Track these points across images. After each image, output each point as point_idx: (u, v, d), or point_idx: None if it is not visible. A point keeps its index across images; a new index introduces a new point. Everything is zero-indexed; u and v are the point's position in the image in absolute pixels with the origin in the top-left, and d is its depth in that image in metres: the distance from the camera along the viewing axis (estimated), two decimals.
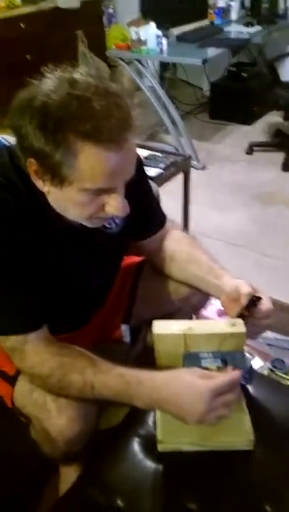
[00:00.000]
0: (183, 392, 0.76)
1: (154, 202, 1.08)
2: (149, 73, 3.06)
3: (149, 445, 0.91)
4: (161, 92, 3.05)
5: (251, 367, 0.83)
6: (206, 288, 1.02)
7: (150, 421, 0.96)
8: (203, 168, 3.02)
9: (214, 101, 3.72)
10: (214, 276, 0.98)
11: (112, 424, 1.03)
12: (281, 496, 0.82)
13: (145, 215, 1.04)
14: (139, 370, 0.81)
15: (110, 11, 4.25)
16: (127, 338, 1.23)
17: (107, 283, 1.08)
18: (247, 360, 0.83)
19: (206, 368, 0.82)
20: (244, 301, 0.85)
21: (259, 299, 0.85)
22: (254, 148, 3.17)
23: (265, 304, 0.88)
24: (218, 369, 0.82)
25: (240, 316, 0.84)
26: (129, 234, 1.02)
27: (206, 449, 0.88)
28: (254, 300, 0.84)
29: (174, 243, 1.08)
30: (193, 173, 2.86)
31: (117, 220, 0.95)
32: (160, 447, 0.88)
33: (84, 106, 0.65)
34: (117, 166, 0.69)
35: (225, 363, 0.82)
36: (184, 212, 2.18)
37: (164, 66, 3.85)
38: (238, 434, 0.87)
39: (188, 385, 0.76)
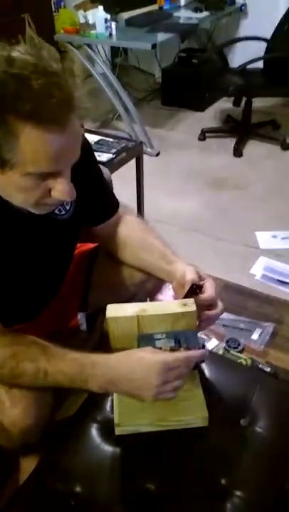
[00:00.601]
0: (136, 368, 0.76)
1: (105, 186, 1.07)
2: (99, 59, 3.01)
3: (107, 430, 0.91)
4: (112, 78, 3.01)
5: (204, 345, 0.84)
6: (159, 273, 1.02)
7: (108, 406, 0.96)
8: (157, 154, 3.02)
9: (166, 87, 3.72)
10: (166, 262, 0.99)
11: (72, 413, 1.02)
12: (234, 469, 0.84)
13: (97, 201, 1.02)
14: (93, 353, 0.80)
15: None
16: (83, 326, 1.22)
17: (60, 271, 1.06)
18: (200, 339, 0.84)
19: (160, 349, 0.83)
20: (186, 288, 0.86)
21: (200, 287, 0.86)
22: (206, 134, 3.20)
23: (206, 292, 0.88)
24: (172, 349, 0.83)
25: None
26: (82, 220, 1.00)
27: (163, 429, 0.89)
28: (194, 288, 0.84)
29: (127, 229, 1.07)
30: (147, 160, 2.88)
31: (67, 206, 0.93)
32: (117, 430, 0.89)
33: (22, 85, 0.63)
34: (60, 148, 0.67)
35: (178, 342, 0.83)
36: (137, 198, 2.17)
37: (114, 52, 3.80)
38: (193, 412, 0.89)
39: (140, 361, 0.77)
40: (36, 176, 0.69)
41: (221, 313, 0.91)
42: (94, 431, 0.91)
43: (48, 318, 1.08)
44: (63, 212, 0.92)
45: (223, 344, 1.61)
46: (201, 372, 0.99)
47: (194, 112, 3.62)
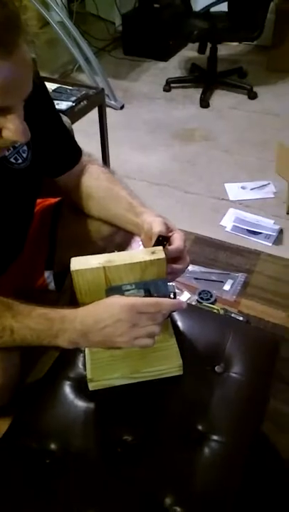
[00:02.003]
0: (104, 315, 0.73)
1: (65, 133, 0.99)
2: (54, 4, 2.79)
3: (80, 386, 0.88)
4: (71, 26, 2.81)
5: (175, 293, 0.81)
6: (126, 225, 0.97)
7: (80, 363, 0.93)
8: (122, 107, 2.89)
9: (127, 35, 3.53)
10: (134, 213, 0.93)
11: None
12: (210, 414, 0.84)
13: (57, 147, 0.95)
14: (61, 308, 0.76)
15: None
16: (52, 286, 1.18)
17: (21, 226, 0.99)
18: (170, 287, 0.81)
19: None
20: (153, 240, 0.82)
21: (167, 239, 0.81)
22: (172, 84, 3.08)
23: (174, 244, 0.84)
24: None
25: None
26: (41, 170, 0.93)
27: (137, 381, 0.87)
28: (161, 240, 0.80)
29: (91, 179, 1.01)
30: (112, 113, 2.76)
31: (24, 154, 0.86)
32: (91, 386, 0.86)
33: None
34: (8, 77, 0.59)
35: (148, 292, 0.80)
36: (102, 153, 2.09)
37: None
38: (167, 361, 0.88)
39: (108, 307, 0.73)
40: None
41: (187, 267, 0.88)
42: (67, 388, 0.89)
43: (11, 278, 1.03)
44: (20, 161, 0.85)
45: (196, 296, 1.61)
46: (174, 322, 0.98)
47: (158, 61, 3.47)
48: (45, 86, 0.91)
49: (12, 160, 0.83)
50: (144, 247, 0.89)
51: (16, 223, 0.95)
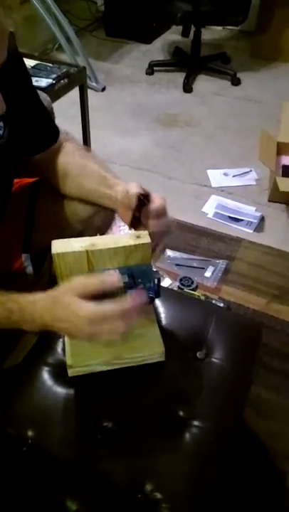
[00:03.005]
0: (63, 317, 0.68)
1: (43, 110, 0.95)
2: None
3: (59, 372, 0.86)
4: (52, 2, 2.70)
5: (159, 279, 0.79)
6: (100, 200, 0.93)
7: (59, 348, 0.91)
8: (103, 89, 2.83)
9: (110, 15, 3.44)
10: (107, 186, 0.89)
11: None
12: (192, 400, 0.83)
13: (34, 124, 0.91)
14: (22, 294, 0.73)
15: None
16: (29, 269, 1.14)
17: None
18: (155, 273, 0.79)
19: None
20: (132, 202, 0.79)
21: (147, 196, 0.78)
22: (154, 68, 3.03)
23: (155, 201, 0.81)
24: (126, 285, 0.78)
25: (134, 219, 0.79)
26: (18, 147, 0.89)
27: (117, 367, 0.86)
28: (141, 199, 0.77)
29: (67, 156, 0.96)
30: (93, 96, 2.69)
31: (0, 131, 0.82)
32: (70, 372, 0.84)
33: None
34: None
35: (132, 278, 0.77)
36: (83, 134, 2.04)
37: None
38: (149, 347, 0.86)
39: (66, 309, 0.68)
40: None
41: (171, 223, 0.85)
42: (45, 374, 0.86)
43: None
44: None
45: (177, 283, 1.60)
46: (156, 308, 0.96)
47: (141, 43, 3.40)
48: (22, 60, 0.86)
49: None
50: (123, 220, 0.86)
51: None
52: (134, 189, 0.80)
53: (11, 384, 0.86)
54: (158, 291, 0.81)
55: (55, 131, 0.96)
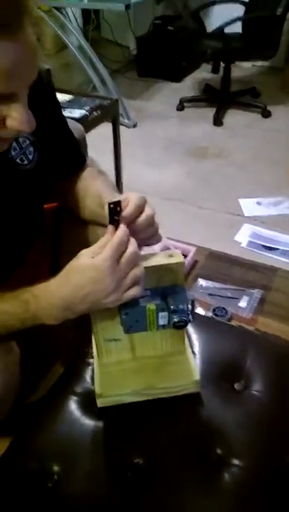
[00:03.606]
0: (82, 281, 0.64)
1: (71, 138, 0.96)
2: (72, 26, 2.84)
3: (88, 402, 0.82)
4: (86, 46, 2.85)
5: (193, 302, 0.75)
6: (100, 220, 0.86)
7: (88, 377, 0.87)
8: (135, 125, 2.89)
9: (141, 57, 3.57)
10: (101, 205, 0.82)
11: None
12: (231, 437, 0.76)
13: (62, 151, 0.91)
14: (34, 285, 0.70)
15: None
16: None
17: (29, 231, 0.94)
18: (189, 295, 0.74)
19: (144, 308, 0.73)
20: (105, 211, 0.69)
21: (117, 203, 0.67)
22: (185, 104, 3.09)
23: (128, 205, 0.70)
24: (158, 307, 0.74)
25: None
26: (48, 173, 0.88)
27: (149, 398, 0.80)
28: (112, 207, 0.66)
29: (83, 181, 0.95)
30: (125, 131, 2.76)
31: (30, 156, 0.82)
32: (100, 402, 0.79)
33: None
34: (13, 61, 0.55)
35: (164, 299, 0.73)
36: (115, 167, 2.06)
37: (86, 21, 3.63)
38: (183, 377, 0.80)
39: (82, 271, 0.64)
40: None
41: (153, 213, 0.73)
42: (73, 404, 0.82)
43: (15, 287, 0.97)
44: (26, 162, 0.81)
45: (210, 313, 1.53)
46: (190, 335, 0.91)
47: (171, 82, 3.49)
48: (53, 90, 0.87)
49: (18, 161, 0.80)
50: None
51: (24, 228, 0.91)
52: (107, 198, 0.75)
53: (36, 415, 0.82)
54: (192, 314, 0.76)
55: (81, 159, 0.97)
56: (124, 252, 0.64)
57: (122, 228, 0.65)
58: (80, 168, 0.96)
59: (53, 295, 0.67)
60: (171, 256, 0.72)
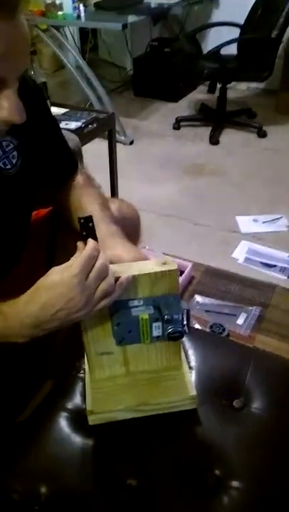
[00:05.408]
0: (52, 297, 0.62)
1: (63, 142, 0.93)
2: (70, 45, 2.88)
3: (79, 419, 0.77)
4: (84, 65, 2.89)
5: (188, 312, 0.72)
6: None
7: (79, 392, 0.82)
8: (131, 143, 2.90)
9: (138, 77, 3.62)
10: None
11: None
12: (230, 457, 0.72)
13: (52, 157, 0.89)
14: (2, 302, 0.67)
15: None
16: None
17: (16, 238, 0.91)
18: (183, 304, 0.71)
19: (137, 318, 0.70)
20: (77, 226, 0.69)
21: (89, 218, 0.67)
22: (181, 123, 3.11)
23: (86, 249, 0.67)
24: (151, 317, 0.70)
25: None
26: (34, 179, 0.86)
27: (143, 415, 0.76)
28: (83, 222, 0.66)
29: (77, 191, 0.93)
30: (121, 148, 2.76)
31: (13, 160, 0.80)
32: (91, 419, 0.75)
33: None
34: (8, 43, 0.53)
35: (158, 309, 0.70)
36: (111, 182, 2.05)
37: (83, 40, 3.69)
38: (179, 392, 0.76)
39: (52, 288, 0.63)
40: None
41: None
42: (63, 421, 0.77)
43: (8, 294, 0.94)
44: (9, 166, 0.79)
45: (207, 330, 1.50)
46: (186, 349, 0.87)
47: (168, 102, 3.53)
48: (41, 91, 0.86)
49: (1, 165, 0.77)
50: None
51: (9, 234, 0.88)
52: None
53: (22, 432, 0.77)
54: (187, 325, 0.72)
55: (73, 165, 0.95)
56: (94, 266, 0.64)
57: (91, 243, 0.65)
58: (72, 174, 0.94)
59: (22, 313, 0.65)
60: (164, 263, 0.69)
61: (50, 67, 4.11)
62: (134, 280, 0.68)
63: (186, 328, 0.71)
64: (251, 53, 2.76)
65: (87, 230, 0.67)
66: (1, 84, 0.56)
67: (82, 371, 0.84)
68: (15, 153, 0.80)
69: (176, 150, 2.87)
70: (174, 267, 0.68)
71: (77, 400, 0.81)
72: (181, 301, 0.71)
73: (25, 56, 0.57)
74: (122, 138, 2.84)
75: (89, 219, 0.66)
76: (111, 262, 0.69)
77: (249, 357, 0.91)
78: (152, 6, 2.99)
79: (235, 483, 0.68)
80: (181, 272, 1.67)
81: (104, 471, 0.71)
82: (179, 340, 0.73)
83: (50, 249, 1.01)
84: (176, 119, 3.11)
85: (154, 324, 0.71)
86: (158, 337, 0.73)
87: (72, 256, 0.88)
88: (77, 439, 0.74)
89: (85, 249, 0.65)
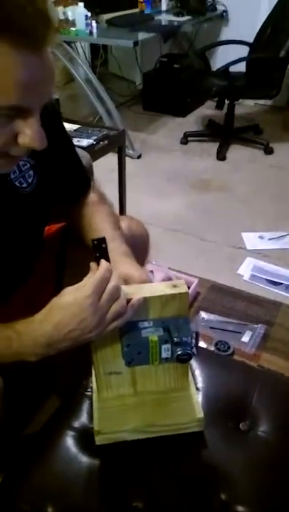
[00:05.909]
0: (66, 319, 0.64)
1: (77, 160, 0.95)
2: (81, 59, 2.93)
3: (85, 439, 0.77)
4: (93, 78, 2.92)
5: (197, 334, 0.72)
6: None
7: (86, 411, 0.83)
8: (139, 157, 2.93)
9: (147, 92, 3.66)
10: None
11: None
12: (236, 481, 0.72)
13: (65, 176, 0.91)
14: (17, 320, 0.68)
15: None
16: None
17: (28, 253, 0.93)
18: (192, 326, 0.72)
19: (146, 339, 0.71)
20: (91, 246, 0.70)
21: (102, 240, 0.68)
22: (189, 138, 3.14)
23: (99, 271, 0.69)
24: (160, 339, 0.71)
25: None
26: (49, 197, 0.88)
27: (150, 436, 0.76)
28: (96, 244, 0.68)
29: (89, 208, 0.95)
30: (130, 162, 2.78)
31: (29, 179, 0.82)
32: (98, 439, 0.75)
33: None
34: (35, 75, 0.54)
35: (168, 331, 0.71)
36: (119, 196, 2.07)
37: (94, 55, 3.74)
38: (186, 414, 0.77)
39: (65, 308, 0.65)
40: (3, 111, 0.56)
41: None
42: (69, 440, 0.77)
43: (19, 304, 0.95)
44: (25, 185, 0.81)
45: (212, 347, 1.50)
46: (193, 370, 0.87)
47: (176, 117, 3.57)
48: (58, 113, 0.88)
49: (17, 183, 0.79)
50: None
51: (22, 249, 0.90)
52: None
53: (29, 452, 0.77)
54: (196, 346, 0.73)
55: (86, 183, 0.96)
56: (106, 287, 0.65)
57: (104, 264, 0.67)
58: (85, 192, 0.95)
59: (36, 332, 0.66)
60: (175, 286, 0.70)
61: (60, 79, 4.17)
62: (145, 302, 0.69)
63: (194, 350, 0.71)
64: (260, 72, 2.80)
65: (100, 251, 0.68)
66: (25, 114, 0.58)
67: (89, 389, 0.85)
68: (31, 172, 0.82)
69: (183, 165, 2.89)
70: (185, 289, 0.69)
71: (84, 418, 0.81)
72: (190, 324, 0.72)
73: (49, 87, 0.59)
74: (131, 152, 2.86)
75: (102, 240, 0.68)
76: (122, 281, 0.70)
77: (256, 378, 0.91)
78: (163, 23, 3.04)
79: (241, 508, 0.68)
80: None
81: (111, 492, 0.71)
82: (188, 362, 0.74)
83: (60, 263, 1.02)
84: (184, 134, 3.14)
85: (164, 346, 0.71)
86: (167, 359, 0.73)
87: (80, 269, 0.90)
88: (83, 459, 0.75)
89: (98, 271, 0.66)
